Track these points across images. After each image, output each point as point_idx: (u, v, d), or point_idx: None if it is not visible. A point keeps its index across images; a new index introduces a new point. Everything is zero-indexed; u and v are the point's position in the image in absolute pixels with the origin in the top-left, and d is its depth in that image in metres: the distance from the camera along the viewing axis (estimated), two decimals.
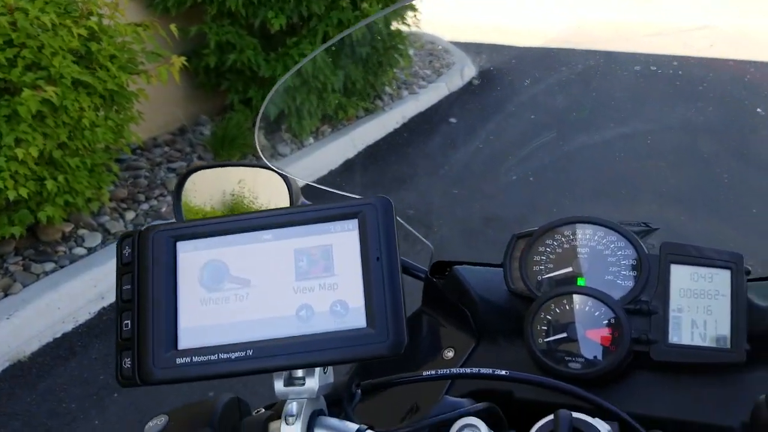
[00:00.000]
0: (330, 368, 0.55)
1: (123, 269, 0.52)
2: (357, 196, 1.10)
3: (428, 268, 0.95)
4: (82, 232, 3.33)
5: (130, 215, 3.55)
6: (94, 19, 3.03)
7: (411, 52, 6.24)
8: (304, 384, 0.51)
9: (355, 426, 0.53)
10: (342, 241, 0.50)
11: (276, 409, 0.57)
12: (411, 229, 0.94)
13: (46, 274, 3.03)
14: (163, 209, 3.60)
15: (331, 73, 4.62)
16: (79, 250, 3.21)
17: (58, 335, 2.87)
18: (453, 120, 5.62)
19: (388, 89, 5.81)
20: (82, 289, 3.01)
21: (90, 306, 3.02)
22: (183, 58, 3.32)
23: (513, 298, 0.88)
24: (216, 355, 0.49)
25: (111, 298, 3.11)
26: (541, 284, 0.84)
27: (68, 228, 3.30)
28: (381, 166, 4.80)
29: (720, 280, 0.78)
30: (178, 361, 0.49)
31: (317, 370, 0.52)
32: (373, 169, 4.81)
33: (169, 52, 3.63)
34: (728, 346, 0.76)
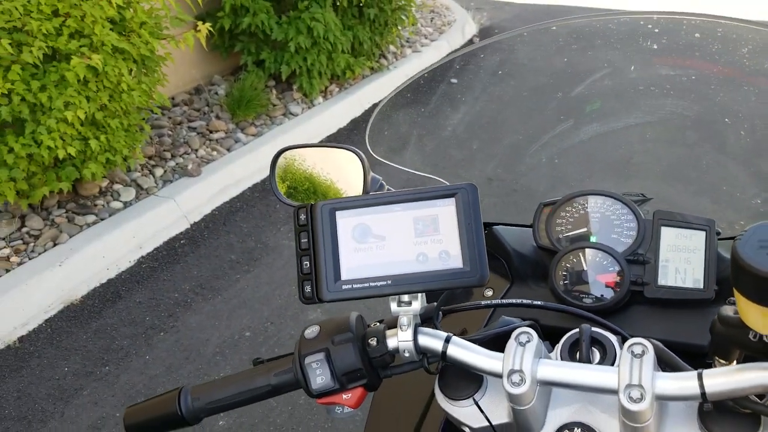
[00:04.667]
0: (424, 296, 0.82)
1: (300, 229, 0.79)
2: (429, 175, 1.36)
3: None
4: (117, 187, 3.59)
5: (159, 172, 3.80)
6: None
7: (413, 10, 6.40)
8: (410, 305, 0.79)
9: (445, 334, 0.81)
10: (445, 212, 0.77)
11: (387, 322, 0.84)
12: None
13: (89, 225, 3.31)
14: (189, 166, 3.85)
15: (340, 34, 4.80)
16: (116, 204, 3.48)
17: (104, 281, 3.17)
18: (454, 80, 5.84)
19: (392, 48, 6.00)
20: (122, 240, 3.28)
21: (130, 255, 3.31)
22: (208, 25, 3.52)
23: (539, 251, 1.16)
24: (368, 284, 0.76)
25: (148, 248, 3.40)
26: (561, 241, 1.12)
27: (105, 183, 3.56)
28: (385, 126, 5.02)
29: (697, 238, 1.06)
30: (344, 287, 0.77)
31: (420, 295, 0.80)
32: (379, 127, 5.04)
33: (190, 16, 3.82)
34: (702, 287, 1.04)
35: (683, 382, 0.66)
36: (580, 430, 0.74)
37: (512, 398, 0.71)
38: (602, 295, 1.05)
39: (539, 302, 0.97)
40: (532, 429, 0.76)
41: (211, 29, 3.58)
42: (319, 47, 4.71)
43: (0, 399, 2.56)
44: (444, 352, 0.77)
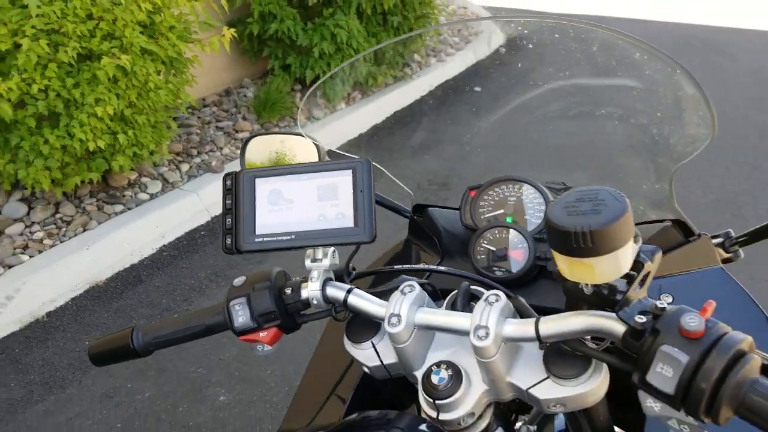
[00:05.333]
0: (336, 253, 0.98)
1: (226, 192, 0.97)
2: (355, 156, 1.53)
3: (410, 209, 1.40)
4: (144, 180, 3.85)
5: (184, 167, 4.05)
6: None
7: (442, 19, 6.55)
8: (321, 261, 0.96)
9: (348, 286, 0.96)
10: (342, 181, 0.92)
11: (305, 278, 1.01)
12: (398, 181, 1.39)
13: (116, 214, 3.57)
14: (213, 163, 4.09)
15: (364, 41, 5.00)
16: (143, 196, 3.74)
17: (127, 266, 3.42)
18: (478, 89, 5.96)
19: (417, 56, 6.17)
20: (147, 229, 3.53)
21: (153, 243, 3.55)
22: (233, 30, 3.75)
23: (465, 230, 1.31)
24: (277, 238, 0.93)
25: (170, 237, 3.64)
26: (483, 221, 1.28)
27: (133, 176, 3.82)
28: (404, 132, 5.19)
29: None
30: (257, 240, 0.93)
31: (329, 251, 0.95)
32: (398, 133, 5.22)
33: (219, 22, 4.07)
34: None
35: (523, 327, 0.79)
36: (446, 366, 0.89)
37: (392, 337, 0.86)
38: (514, 269, 1.20)
39: (442, 267, 1.13)
40: (413, 366, 0.91)
41: (236, 35, 3.81)
42: (342, 53, 4.92)
43: (27, 365, 2.81)
44: (345, 300, 0.92)
